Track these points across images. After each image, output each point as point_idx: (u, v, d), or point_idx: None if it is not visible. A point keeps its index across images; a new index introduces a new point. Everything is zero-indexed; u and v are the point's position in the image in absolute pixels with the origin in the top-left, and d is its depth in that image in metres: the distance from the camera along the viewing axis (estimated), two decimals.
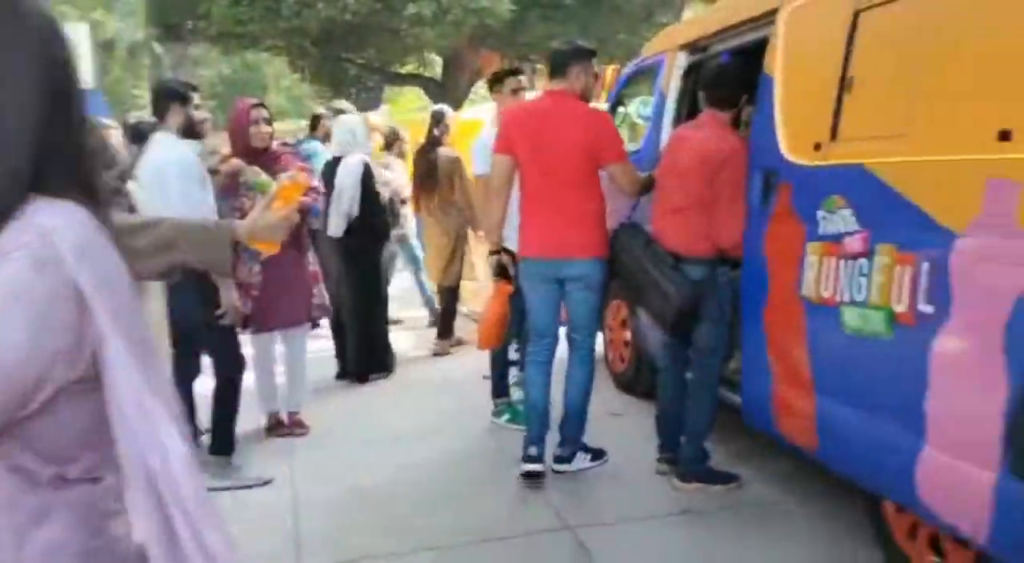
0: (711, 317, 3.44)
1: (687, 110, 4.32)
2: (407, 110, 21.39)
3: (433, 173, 5.92)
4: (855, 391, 2.73)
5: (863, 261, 2.64)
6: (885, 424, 2.57)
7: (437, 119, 6.08)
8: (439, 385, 5.45)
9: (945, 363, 2.33)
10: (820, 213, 2.85)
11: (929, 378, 2.37)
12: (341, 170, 5.21)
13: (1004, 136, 2.13)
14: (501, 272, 3.97)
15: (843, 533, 3.15)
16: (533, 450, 3.77)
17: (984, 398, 2.15)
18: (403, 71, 18.67)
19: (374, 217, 5.32)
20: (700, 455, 3.61)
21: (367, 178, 5.21)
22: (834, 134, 2.84)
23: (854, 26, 2.78)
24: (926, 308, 2.38)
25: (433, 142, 6.01)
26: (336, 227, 5.20)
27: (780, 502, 3.47)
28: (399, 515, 3.45)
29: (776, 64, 3.22)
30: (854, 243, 2.69)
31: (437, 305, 6.62)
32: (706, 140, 3.43)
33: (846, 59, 2.80)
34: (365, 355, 5.49)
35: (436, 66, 19.03)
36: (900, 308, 2.48)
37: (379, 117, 7.66)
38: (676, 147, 3.58)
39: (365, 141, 5.46)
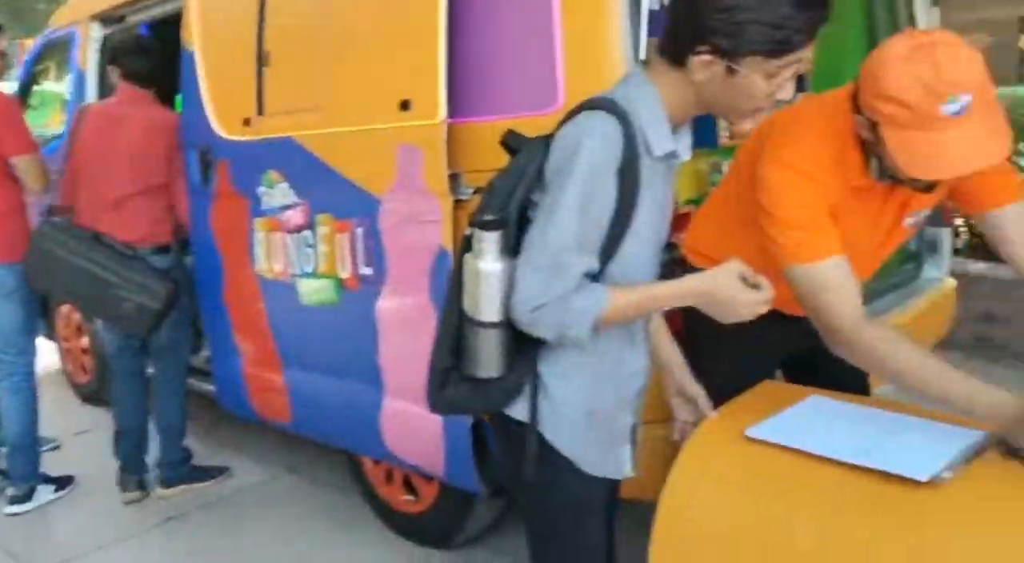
0: (178, 307, 3.22)
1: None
2: None
3: None
4: (319, 360, 2.80)
5: (307, 233, 2.69)
6: (350, 386, 2.68)
7: None
8: None
9: (388, 318, 2.49)
10: (261, 189, 2.83)
11: (379, 335, 2.52)
12: None
13: (405, 106, 2.31)
14: None
15: (332, 495, 3.26)
16: None
17: (423, 344, 2.34)
18: None
19: None
20: (182, 456, 3.40)
21: None
22: (261, 108, 2.83)
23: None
24: (366, 271, 2.52)
25: None
26: None
27: (269, 481, 3.46)
28: None
29: (194, 38, 3.08)
30: (296, 216, 2.72)
31: None
32: (149, 117, 3.14)
33: (260, 33, 2.79)
34: None
35: None
36: (345, 274, 2.59)
37: None
38: (105, 128, 3.19)
39: None
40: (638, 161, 1.29)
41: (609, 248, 1.32)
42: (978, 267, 4.29)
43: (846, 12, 3.40)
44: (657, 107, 1.31)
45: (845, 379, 1.78)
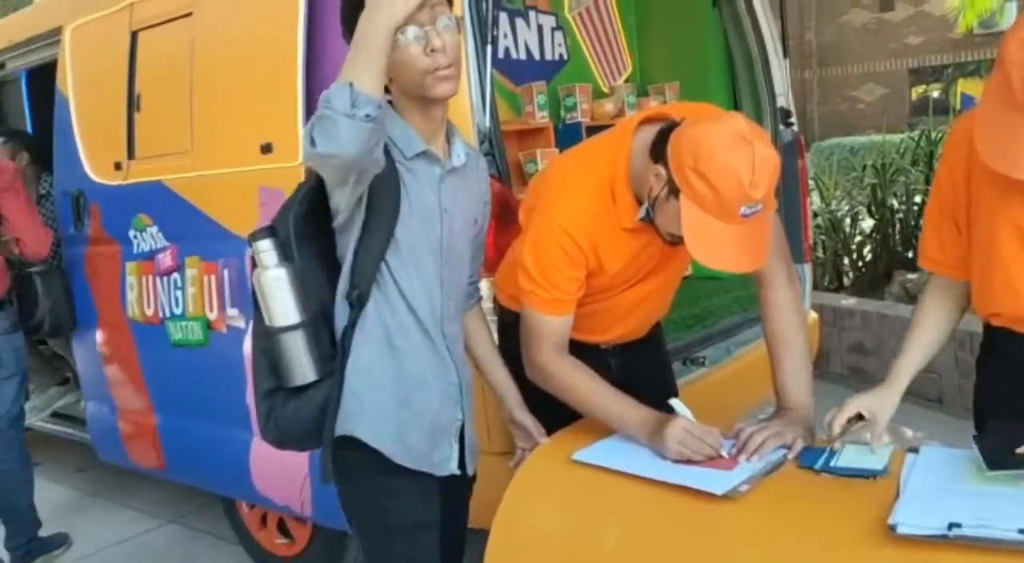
0: (6, 374, 2.93)
1: None
2: None
3: None
4: (190, 404, 2.78)
5: (176, 276, 2.70)
6: (220, 429, 2.67)
7: None
8: None
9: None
10: (132, 232, 2.83)
11: (246, 376, 2.52)
12: None
13: (266, 149, 2.36)
14: None
15: (213, 543, 3.20)
16: None
17: None
18: None
19: None
20: (30, 533, 3.07)
21: None
22: (132, 153, 2.84)
23: (134, 46, 2.81)
24: (232, 312, 2.54)
25: None
26: None
27: (152, 531, 3.38)
28: None
29: (68, 83, 3.08)
30: (165, 259, 2.73)
31: None
32: None
33: (131, 78, 2.82)
34: None
35: None
36: (212, 316, 2.60)
37: None
38: None
39: None
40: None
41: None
42: (848, 302, 4.52)
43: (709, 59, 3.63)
44: (400, 122, 1.45)
45: None
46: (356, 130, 1.22)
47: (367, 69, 1.25)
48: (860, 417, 1.53)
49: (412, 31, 1.36)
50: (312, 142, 1.23)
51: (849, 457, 1.49)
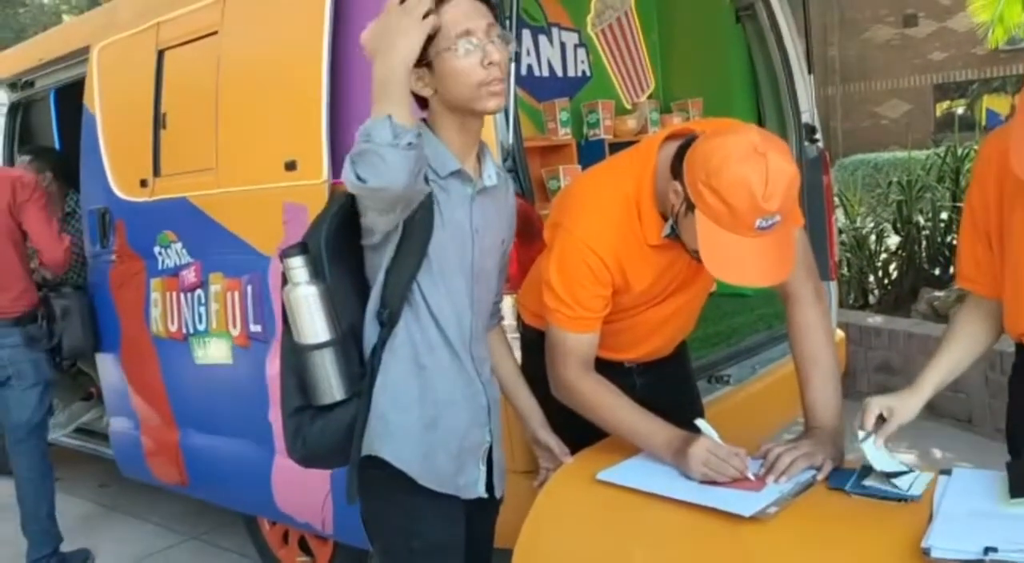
0: (27, 384, 3.02)
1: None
2: None
3: None
4: (212, 420, 2.79)
5: (200, 292, 2.71)
6: (242, 446, 2.67)
7: None
8: None
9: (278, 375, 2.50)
10: (157, 249, 2.85)
11: (269, 392, 2.53)
12: None
13: (290, 166, 2.37)
14: None
15: (234, 560, 3.20)
16: None
17: None
18: None
19: None
20: (52, 546, 3.10)
21: None
22: (157, 170, 2.87)
23: (160, 65, 2.84)
24: (256, 329, 2.54)
25: None
26: None
27: (174, 546, 3.38)
28: None
29: (95, 101, 3.12)
30: (189, 275, 2.74)
31: None
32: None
33: (158, 96, 2.85)
34: None
35: None
36: (236, 332, 2.60)
37: None
38: None
39: None
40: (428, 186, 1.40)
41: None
42: (875, 320, 4.46)
43: (733, 87, 3.62)
44: (434, 140, 1.44)
45: None
46: (402, 159, 1.23)
47: (397, 104, 1.27)
48: (883, 418, 1.50)
49: (465, 44, 1.37)
50: (358, 177, 1.24)
51: (879, 461, 1.45)
